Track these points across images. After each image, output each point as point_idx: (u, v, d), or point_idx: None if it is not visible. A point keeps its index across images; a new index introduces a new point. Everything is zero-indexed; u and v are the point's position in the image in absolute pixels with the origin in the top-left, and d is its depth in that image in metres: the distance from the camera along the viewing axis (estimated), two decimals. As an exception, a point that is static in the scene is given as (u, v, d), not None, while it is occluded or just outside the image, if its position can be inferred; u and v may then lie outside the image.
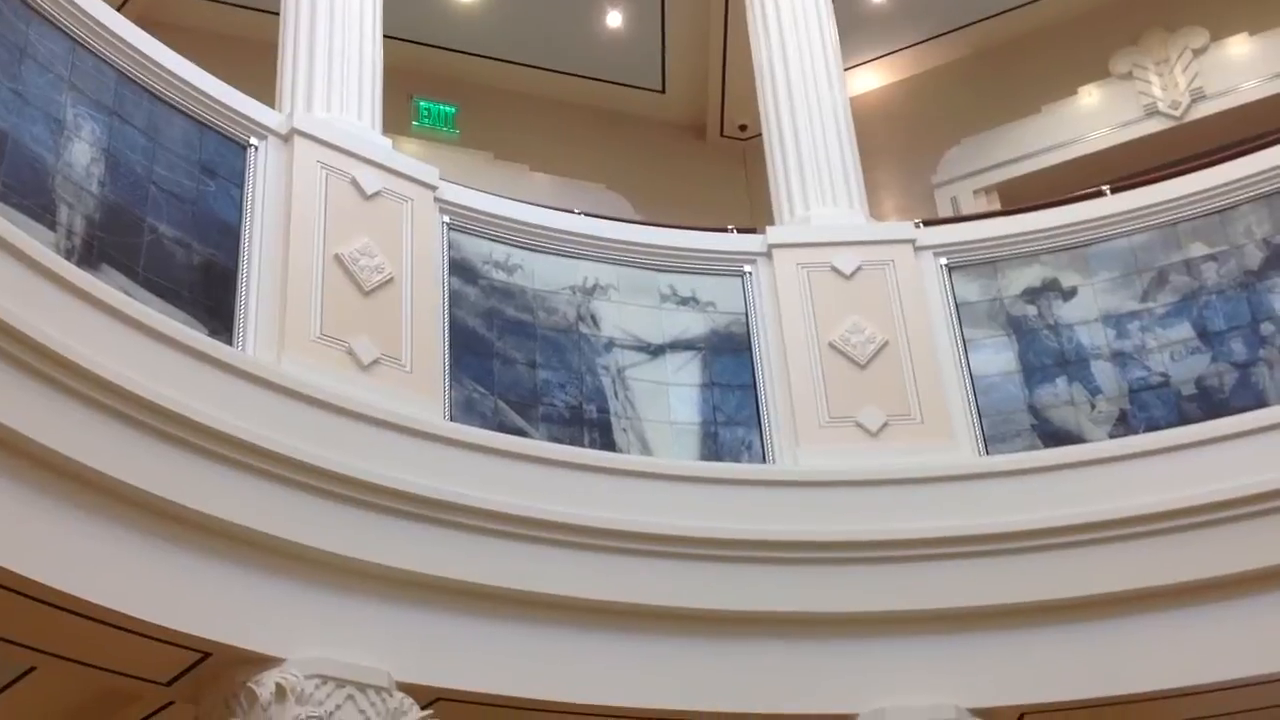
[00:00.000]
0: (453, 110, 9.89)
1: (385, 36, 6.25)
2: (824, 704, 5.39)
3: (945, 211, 9.72)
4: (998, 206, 9.29)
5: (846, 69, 10.01)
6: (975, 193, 9.85)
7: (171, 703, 4.93)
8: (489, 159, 9.75)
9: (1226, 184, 6.09)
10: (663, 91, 10.38)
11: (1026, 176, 9.68)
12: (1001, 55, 10.05)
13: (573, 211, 6.39)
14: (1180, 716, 5.70)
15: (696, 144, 10.65)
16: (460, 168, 9.27)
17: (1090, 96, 9.70)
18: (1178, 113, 9.25)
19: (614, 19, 9.77)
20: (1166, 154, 8.73)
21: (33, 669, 4.79)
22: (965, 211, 9.40)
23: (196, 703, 4.75)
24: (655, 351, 6.05)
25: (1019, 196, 9.19)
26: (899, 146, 10.21)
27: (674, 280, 6.21)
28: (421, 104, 9.85)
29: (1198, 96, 9.21)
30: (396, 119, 9.59)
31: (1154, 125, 9.36)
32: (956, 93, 10.18)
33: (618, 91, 10.30)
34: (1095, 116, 9.64)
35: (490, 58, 10.00)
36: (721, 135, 10.62)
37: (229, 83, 5.52)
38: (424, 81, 9.85)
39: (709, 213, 8.96)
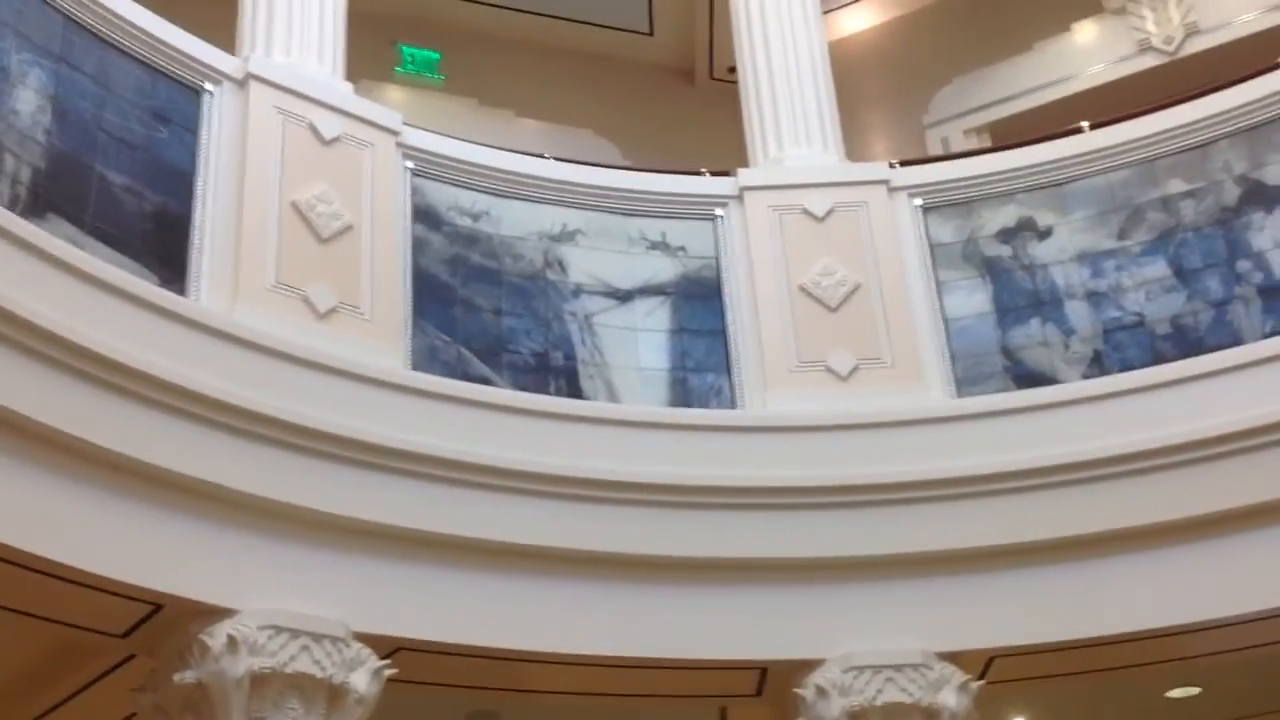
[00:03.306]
0: (437, 56, 9.77)
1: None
2: (791, 649, 5.37)
3: (936, 152, 9.60)
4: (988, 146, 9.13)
5: (837, 8, 9.93)
6: (966, 133, 9.71)
7: (134, 656, 4.91)
8: (474, 105, 9.64)
9: (1205, 119, 5.98)
10: (650, 34, 10.22)
11: (1019, 115, 9.53)
12: (994, -8, 9.89)
13: (542, 156, 6.31)
14: (1152, 659, 5.66)
15: (685, 88, 10.49)
16: (445, 114, 9.19)
17: (1083, 33, 9.54)
18: (1171, 48, 9.08)
19: (599, -40, 9.64)
20: (1161, 90, 8.56)
21: (-11, 623, 4.77)
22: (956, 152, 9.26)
23: (153, 654, 4.74)
24: (624, 297, 5.98)
25: (1011, 136, 9.02)
26: (890, 87, 10.09)
27: (644, 225, 6.13)
28: (405, 49, 9.72)
29: (1192, 31, 9.03)
30: (380, 65, 9.51)
31: (1148, 61, 9.19)
32: (948, 31, 10.01)
33: (604, 35, 10.15)
34: (1088, 53, 9.48)
35: (475, 1, 9.86)
36: (711, 78, 10.45)
37: (187, 27, 5.43)
38: (407, 26, 9.72)
39: (698, 157, 8.81)
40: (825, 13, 7.38)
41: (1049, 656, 5.52)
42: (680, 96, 10.44)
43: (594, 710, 6.10)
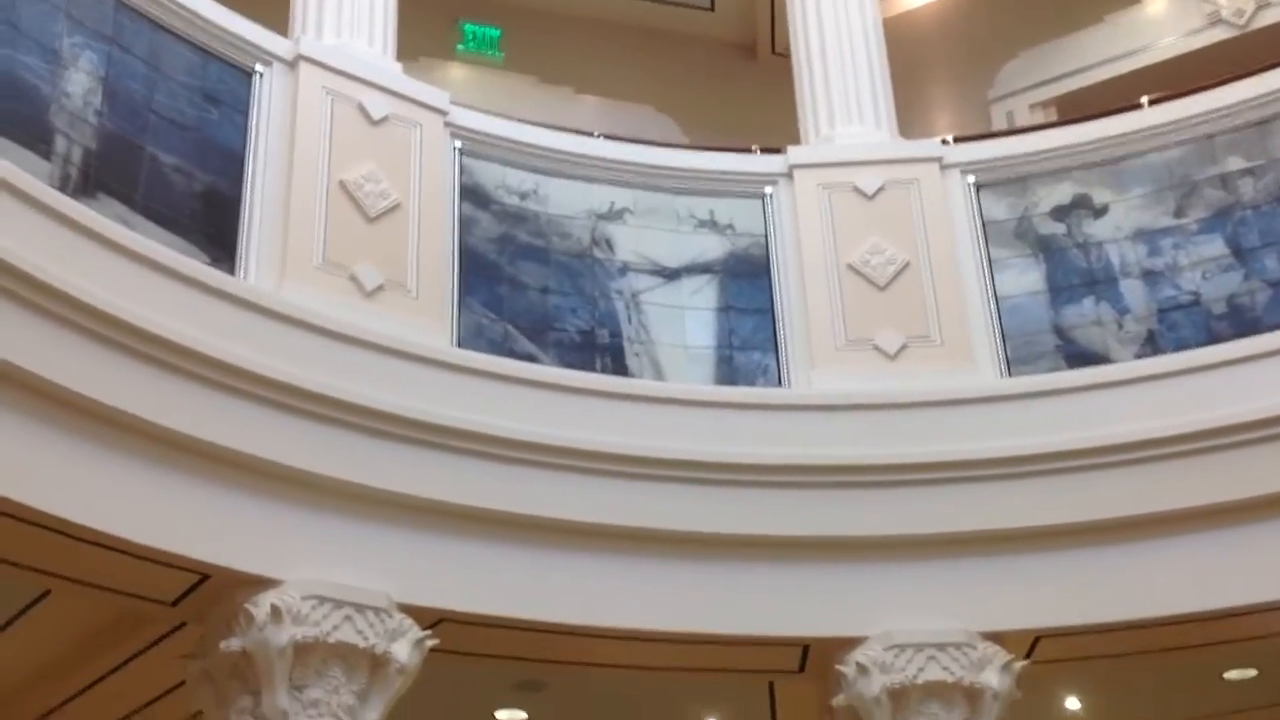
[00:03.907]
0: (497, 33, 9.80)
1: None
2: (833, 626, 5.37)
3: (1001, 127, 9.48)
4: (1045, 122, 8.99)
5: (903, -18, 9.83)
6: (1032, 107, 9.59)
7: (185, 624, 5.03)
8: (534, 82, 9.67)
9: (1264, 95, 5.87)
10: (711, 9, 10.16)
11: (1086, 89, 9.39)
12: (1063, -37, 9.73)
13: (591, 134, 6.32)
14: (1204, 640, 5.60)
15: (747, 63, 10.43)
16: (504, 92, 9.25)
17: (1153, 5, 9.37)
18: (1242, 21, 8.89)
19: (658, -65, 9.60)
20: (1231, 64, 8.39)
21: (48, 592, 4.90)
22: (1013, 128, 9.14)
23: (202, 623, 4.85)
24: (671, 275, 5.98)
25: (1078, 110, 8.87)
26: (955, 61, 9.98)
27: (692, 203, 6.13)
28: (467, 27, 9.77)
29: (1263, 4, 8.83)
30: (441, 43, 9.58)
31: (1219, 34, 9.01)
32: (1015, 3, 9.85)
33: (665, 10, 10.11)
34: (1158, 26, 9.31)
35: (535, -23, 9.89)
36: (773, 53, 10.33)
37: (238, 9, 5.50)
38: (469, 4, 9.77)
39: (760, 133, 8.79)
40: (887, -13, 7.31)
41: (1097, 637, 5.47)
42: (742, 72, 10.37)
43: (642, 683, 6.15)
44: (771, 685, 6.37)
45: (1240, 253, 5.72)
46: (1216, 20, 8.98)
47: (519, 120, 6.11)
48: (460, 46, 9.72)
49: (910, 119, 8.96)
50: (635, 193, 6.09)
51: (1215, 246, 5.77)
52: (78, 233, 4.49)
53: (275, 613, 4.54)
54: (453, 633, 5.08)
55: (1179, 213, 5.89)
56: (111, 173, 4.78)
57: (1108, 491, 5.42)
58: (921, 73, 9.78)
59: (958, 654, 5.22)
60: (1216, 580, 5.29)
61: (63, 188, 4.57)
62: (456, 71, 9.56)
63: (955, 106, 9.93)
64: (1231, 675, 6.54)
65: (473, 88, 9.20)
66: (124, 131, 4.88)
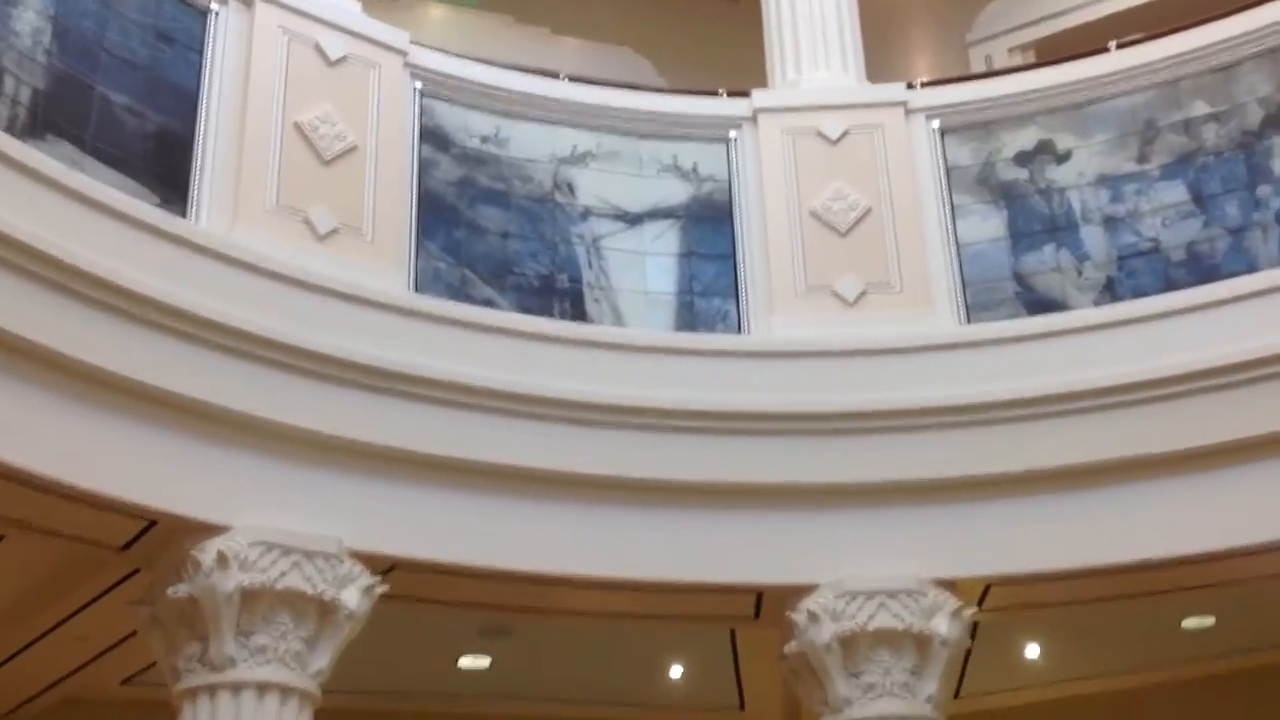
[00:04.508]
0: (473, -29, 9.69)
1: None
2: (786, 574, 5.39)
3: (979, 71, 9.40)
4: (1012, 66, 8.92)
5: (880, -79, 9.69)
6: (1011, 51, 9.48)
7: (138, 570, 5.03)
8: (510, 23, 9.56)
9: (1231, 39, 5.81)
10: (692, -53, 10.06)
11: (1065, 32, 9.28)
12: (1047, -101, 9.60)
13: (555, 75, 6.26)
14: (1159, 588, 5.62)
15: (727, 5, 10.31)
16: (480, 32, 9.16)
17: (1138, -56, 9.25)
18: (1224, -36, 8.78)
19: (635, -128, 9.47)
20: (1215, 7, 8.33)
21: (1, 537, 4.90)
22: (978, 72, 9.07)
23: (151, 568, 4.86)
24: (633, 220, 5.95)
25: (1057, 53, 8.83)
26: (936, 3, 9.88)
27: (655, 147, 6.08)
28: (442, -35, 9.67)
29: (1246, -53, 8.71)
30: (418, -18, 9.47)
31: (1203, -24, 8.91)
32: (998, -58, 9.77)
33: (644, -52, 9.99)
34: (1141, -34, 9.21)
35: (512, -85, 9.75)
36: (756, -6, 10.26)
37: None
38: (445, -58, 9.65)
39: (738, 77, 8.72)
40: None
41: (1049, 585, 5.48)
42: (722, 14, 10.23)
43: (608, 631, 6.19)
44: (733, 632, 6.42)
45: (1201, 199, 5.69)
46: (1198, -37, 8.87)
47: (481, 61, 6.05)
48: (436, -15, 9.61)
49: (890, 62, 8.88)
50: (599, 136, 6.05)
51: (1177, 193, 5.75)
52: (25, 175, 4.44)
53: (221, 559, 4.55)
54: (407, 580, 5.09)
55: (1142, 158, 5.86)
56: (61, 113, 4.74)
57: (1064, 438, 5.42)
58: (901, 15, 9.69)
59: (909, 601, 5.24)
60: (1174, 527, 5.30)
61: (10, 129, 4.52)
62: (434, 11, 9.46)
63: (935, 49, 9.84)
64: (1190, 623, 6.57)
65: (450, 27, 9.11)
66: (74, 71, 4.83)
